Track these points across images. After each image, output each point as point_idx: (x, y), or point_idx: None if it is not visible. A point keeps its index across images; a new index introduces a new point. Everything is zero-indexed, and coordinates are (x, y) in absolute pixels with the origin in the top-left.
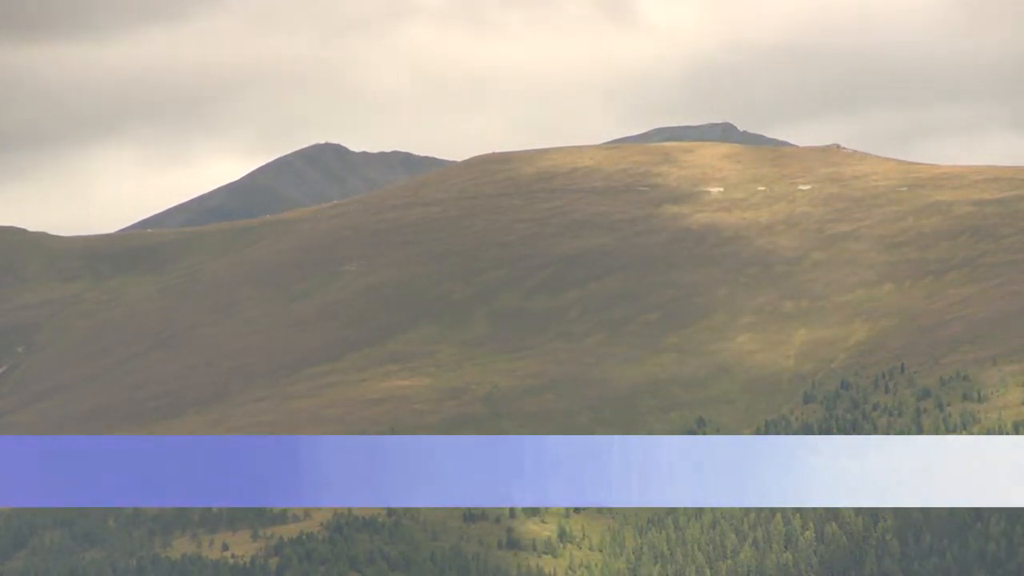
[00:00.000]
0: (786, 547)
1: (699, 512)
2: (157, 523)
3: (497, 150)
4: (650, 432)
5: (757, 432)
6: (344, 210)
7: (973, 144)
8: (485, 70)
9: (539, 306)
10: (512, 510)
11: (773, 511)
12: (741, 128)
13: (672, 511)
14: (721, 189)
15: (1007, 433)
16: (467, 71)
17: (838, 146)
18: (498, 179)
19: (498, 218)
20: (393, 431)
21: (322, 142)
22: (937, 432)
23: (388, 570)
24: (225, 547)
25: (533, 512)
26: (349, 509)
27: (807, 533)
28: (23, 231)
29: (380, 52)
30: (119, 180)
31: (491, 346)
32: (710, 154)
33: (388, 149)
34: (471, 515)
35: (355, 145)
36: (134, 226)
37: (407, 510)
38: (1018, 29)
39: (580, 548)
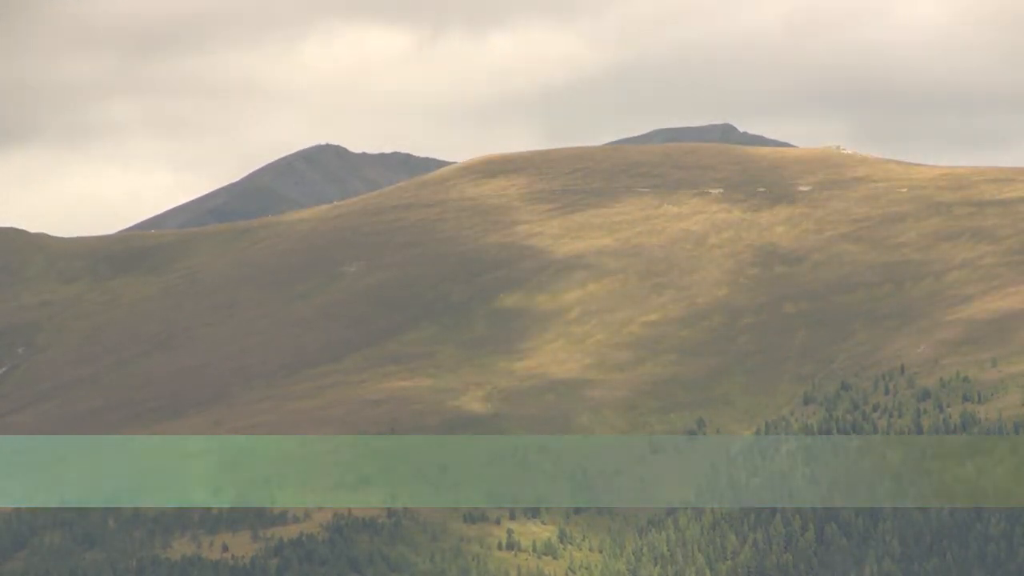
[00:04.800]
0: (786, 548)
1: (699, 513)
2: (157, 523)
3: (497, 151)
4: (650, 432)
5: (757, 432)
6: (344, 210)
7: (972, 145)
8: (485, 71)
9: (539, 307)
10: (512, 511)
11: (773, 511)
12: (741, 128)
13: (672, 511)
14: (721, 190)
15: (1007, 433)
16: (467, 71)
17: (838, 146)
18: (498, 179)
19: (498, 218)
20: (393, 431)
21: (322, 142)
22: (937, 432)
23: (388, 571)
24: (225, 548)
25: (533, 513)
26: (349, 509)
27: (807, 533)
28: (23, 231)
29: (382, 53)
30: (119, 180)
31: (491, 346)
32: (711, 155)
33: (388, 149)
34: (471, 516)
35: (355, 145)
36: (134, 226)
37: (407, 510)
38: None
39: (580, 549)
